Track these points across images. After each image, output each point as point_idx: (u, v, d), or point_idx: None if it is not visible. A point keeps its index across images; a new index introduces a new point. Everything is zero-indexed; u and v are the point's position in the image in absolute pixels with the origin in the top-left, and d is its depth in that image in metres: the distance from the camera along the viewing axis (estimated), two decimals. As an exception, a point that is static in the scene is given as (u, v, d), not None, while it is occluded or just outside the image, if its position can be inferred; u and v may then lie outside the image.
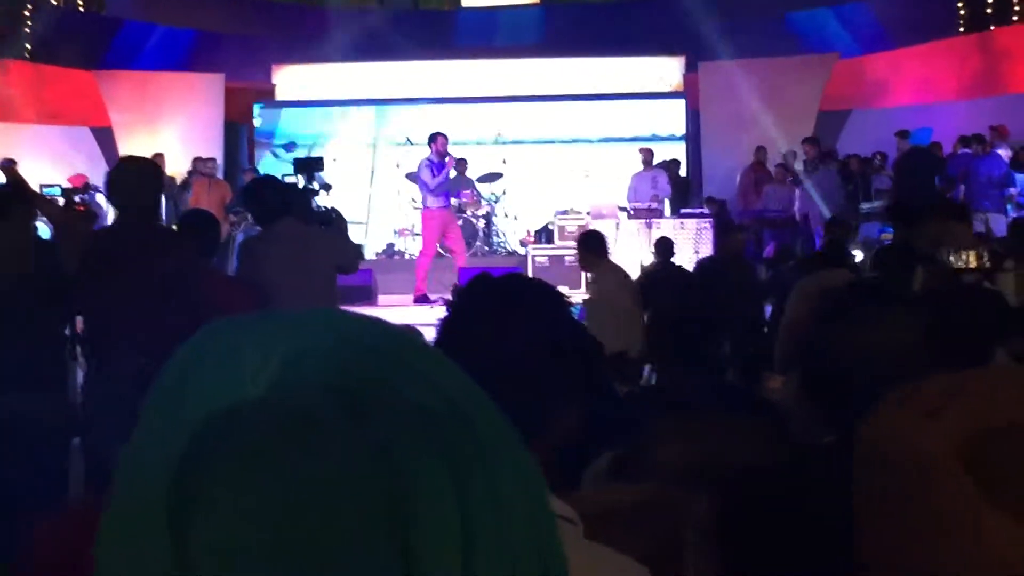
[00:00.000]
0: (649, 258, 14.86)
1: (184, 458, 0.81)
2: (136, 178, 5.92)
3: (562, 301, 2.12)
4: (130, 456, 0.85)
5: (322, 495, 0.78)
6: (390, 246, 20.54)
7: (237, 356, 0.84)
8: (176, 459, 0.81)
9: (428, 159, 16.81)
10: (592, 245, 10.51)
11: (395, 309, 15.70)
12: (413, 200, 19.65)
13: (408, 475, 0.80)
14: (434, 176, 16.62)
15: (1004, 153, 16.35)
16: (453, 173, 17.69)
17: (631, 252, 16.44)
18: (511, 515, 0.84)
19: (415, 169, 18.84)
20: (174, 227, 9.43)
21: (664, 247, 12.88)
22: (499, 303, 2.03)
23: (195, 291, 5.59)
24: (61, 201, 14.94)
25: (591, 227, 17.80)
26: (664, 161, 19.90)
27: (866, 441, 1.12)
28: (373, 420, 0.81)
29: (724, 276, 10.83)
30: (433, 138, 16.89)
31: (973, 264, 7.10)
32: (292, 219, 7.07)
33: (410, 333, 0.91)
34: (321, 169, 10.69)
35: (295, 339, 0.85)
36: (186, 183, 19.36)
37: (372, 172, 22.52)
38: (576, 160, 22.39)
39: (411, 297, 16.63)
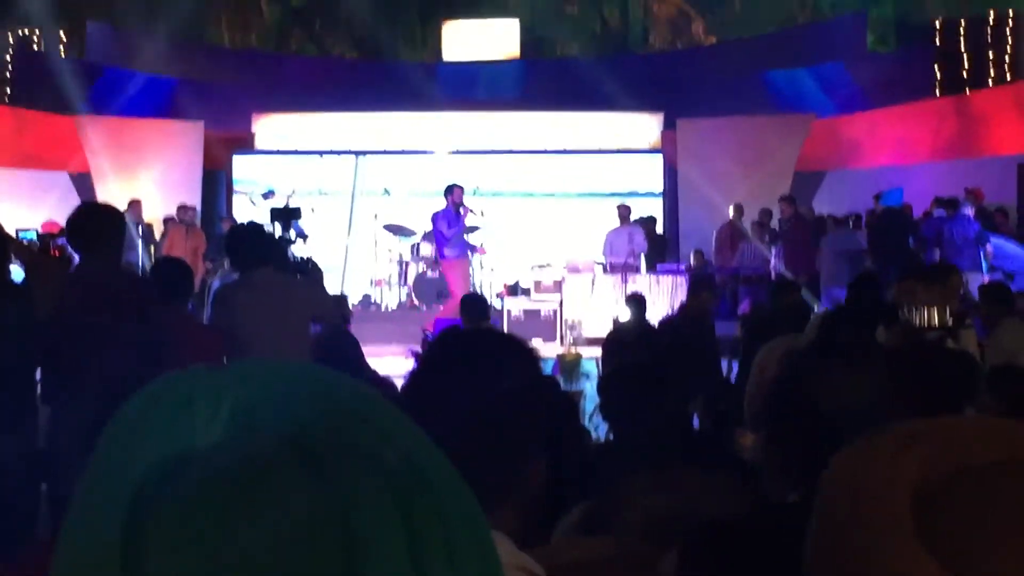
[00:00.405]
0: (623, 312, 14.88)
1: (134, 501, 0.79)
2: (97, 224, 5.91)
3: (532, 356, 2.12)
4: (81, 498, 0.84)
5: (271, 544, 0.77)
6: (367, 297, 20.51)
7: (189, 404, 0.83)
8: (127, 502, 0.79)
9: (444, 210, 16.83)
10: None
11: (371, 359, 15.63)
12: (390, 251, 19.68)
13: (361, 528, 0.79)
14: (450, 227, 16.66)
15: (969, 211, 16.47)
16: (477, 219, 17.76)
17: (606, 307, 16.48)
18: (465, 573, 0.83)
19: (392, 220, 18.93)
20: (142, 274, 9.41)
21: (635, 303, 12.83)
22: (468, 357, 2.03)
23: (158, 336, 5.58)
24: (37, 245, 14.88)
25: (567, 281, 17.88)
26: (641, 217, 19.97)
27: (821, 488, 1.13)
28: (327, 471, 0.80)
29: (681, 334, 10.81)
30: (450, 190, 16.94)
31: (936, 322, 7.13)
32: (270, 268, 7.08)
33: (364, 386, 0.90)
34: (298, 218, 10.70)
35: (247, 388, 0.84)
36: (164, 231, 19.37)
37: (350, 222, 22.53)
38: (553, 214, 22.45)
39: (388, 348, 16.61)
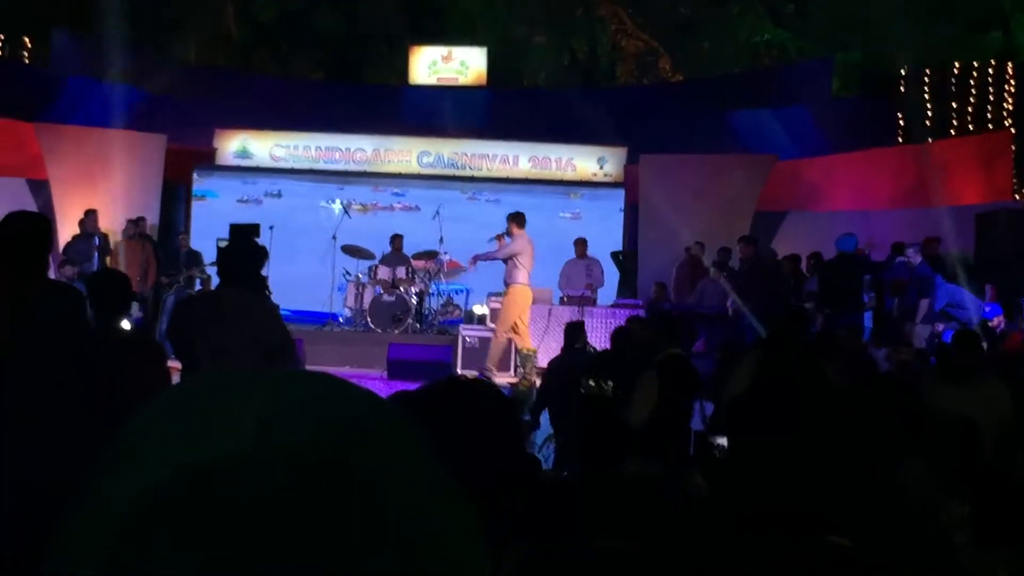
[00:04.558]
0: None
1: (139, 501, 0.80)
2: (16, 233, 5.70)
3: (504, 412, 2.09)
4: (88, 489, 0.85)
5: (267, 567, 0.77)
6: (322, 317, 20.44)
7: (210, 413, 0.84)
8: (131, 500, 0.80)
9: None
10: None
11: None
12: (347, 273, 19.63)
13: (356, 561, 0.79)
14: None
15: (914, 256, 16.58)
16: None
17: (560, 338, 16.49)
18: None
19: (351, 242, 18.91)
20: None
21: (570, 332, 12.66)
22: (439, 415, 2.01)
23: (76, 348, 5.46)
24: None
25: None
26: (617, 251, 20.17)
27: None
28: (331, 502, 0.80)
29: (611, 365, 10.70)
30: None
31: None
32: (241, 288, 7.06)
33: (390, 406, 0.91)
34: (257, 235, 10.64)
35: (275, 401, 0.85)
36: (119, 242, 19.27)
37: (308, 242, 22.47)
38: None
39: (342, 369, 16.60)
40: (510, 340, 16.86)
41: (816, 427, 2.41)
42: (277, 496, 0.79)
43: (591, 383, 10.00)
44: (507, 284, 16.62)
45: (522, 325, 16.56)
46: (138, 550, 0.78)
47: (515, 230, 16.46)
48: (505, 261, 16.54)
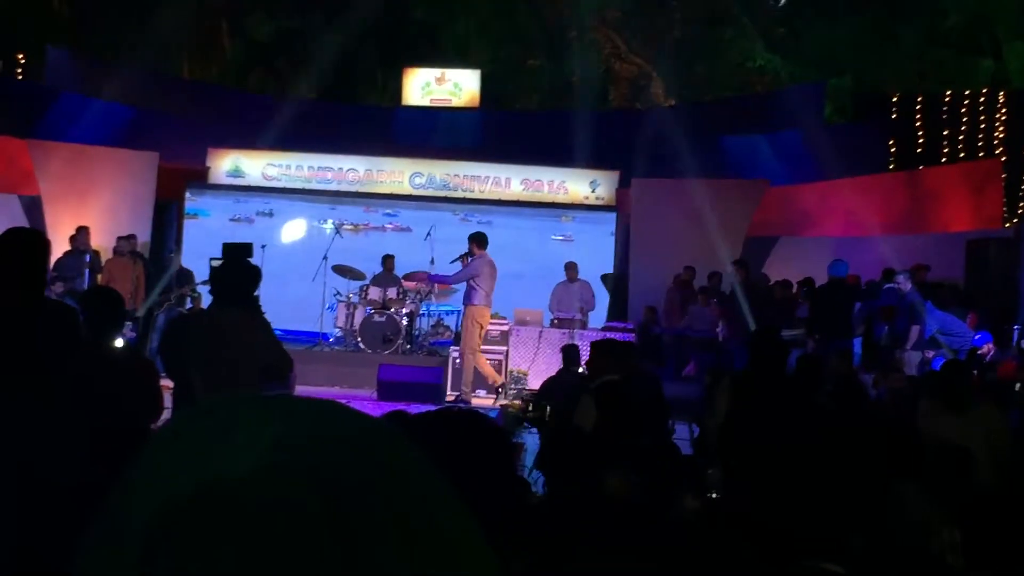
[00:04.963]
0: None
1: (159, 517, 0.81)
2: (15, 249, 5.64)
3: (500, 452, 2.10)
4: (110, 507, 0.86)
5: None
6: (312, 337, 20.41)
7: (227, 433, 0.86)
8: (150, 517, 0.82)
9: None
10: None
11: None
12: (337, 293, 19.61)
13: (377, 571, 0.81)
14: None
15: (904, 283, 16.55)
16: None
17: (553, 361, 16.50)
18: None
19: (342, 262, 18.93)
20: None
21: (568, 355, 12.76)
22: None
23: (73, 365, 5.44)
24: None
25: (514, 333, 17.87)
26: (607, 274, 20.18)
27: None
28: (351, 523, 0.82)
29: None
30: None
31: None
32: (237, 308, 7.06)
33: (389, 426, 0.94)
34: (250, 255, 10.63)
35: (290, 424, 0.87)
36: (109, 260, 19.23)
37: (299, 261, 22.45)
38: (504, 265, 22.50)
39: (331, 389, 16.64)
40: (500, 362, 16.92)
41: (807, 450, 2.41)
42: (296, 510, 0.80)
43: (529, 409, 10.08)
44: (464, 304, 16.73)
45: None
46: (161, 565, 0.78)
47: (476, 251, 16.51)
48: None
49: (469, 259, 16.60)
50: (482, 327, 16.60)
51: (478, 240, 16.59)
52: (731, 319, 17.89)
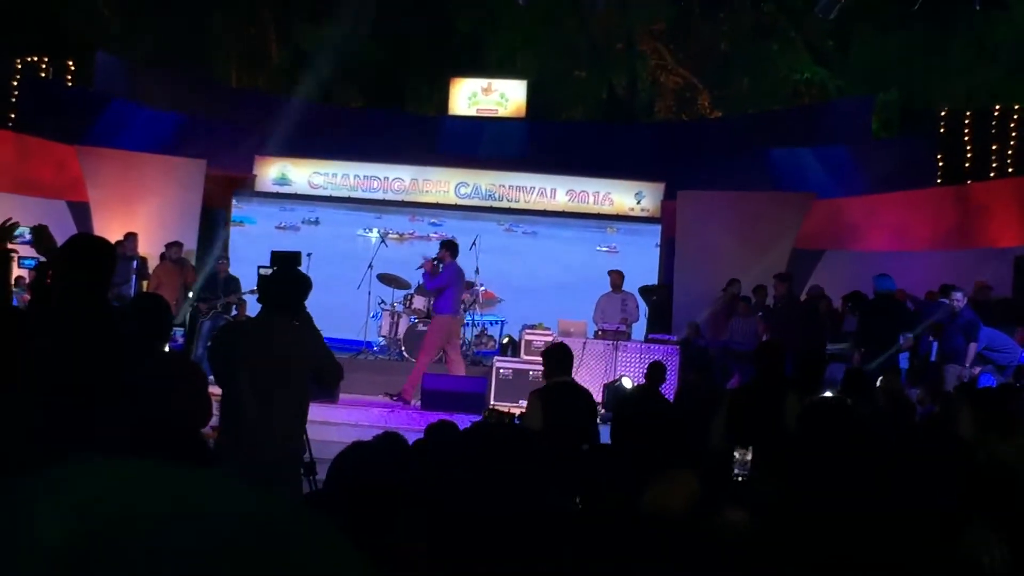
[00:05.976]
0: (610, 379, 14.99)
1: None
2: (88, 255, 5.74)
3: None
4: None
5: None
6: (356, 346, 20.47)
7: (32, 504, 0.88)
8: None
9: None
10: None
11: (356, 409, 15.65)
12: (382, 302, 19.65)
13: None
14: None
15: (960, 300, 16.38)
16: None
17: (596, 373, 16.50)
18: None
19: (387, 271, 18.96)
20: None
21: (653, 372, 13.07)
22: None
23: (129, 370, 5.50)
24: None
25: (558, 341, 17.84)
26: (647, 286, 20.13)
27: None
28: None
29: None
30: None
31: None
32: (287, 317, 7.09)
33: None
34: (299, 263, 10.67)
35: (91, 493, 0.90)
36: (156, 266, 19.36)
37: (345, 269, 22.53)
38: (549, 275, 22.51)
39: (375, 398, 16.64)
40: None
41: (868, 473, 2.39)
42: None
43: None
44: (433, 312, 16.81)
45: (453, 353, 16.63)
46: None
47: (447, 259, 16.51)
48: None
49: (441, 267, 16.60)
50: (449, 335, 16.61)
51: (451, 249, 16.60)
52: (774, 332, 17.78)
